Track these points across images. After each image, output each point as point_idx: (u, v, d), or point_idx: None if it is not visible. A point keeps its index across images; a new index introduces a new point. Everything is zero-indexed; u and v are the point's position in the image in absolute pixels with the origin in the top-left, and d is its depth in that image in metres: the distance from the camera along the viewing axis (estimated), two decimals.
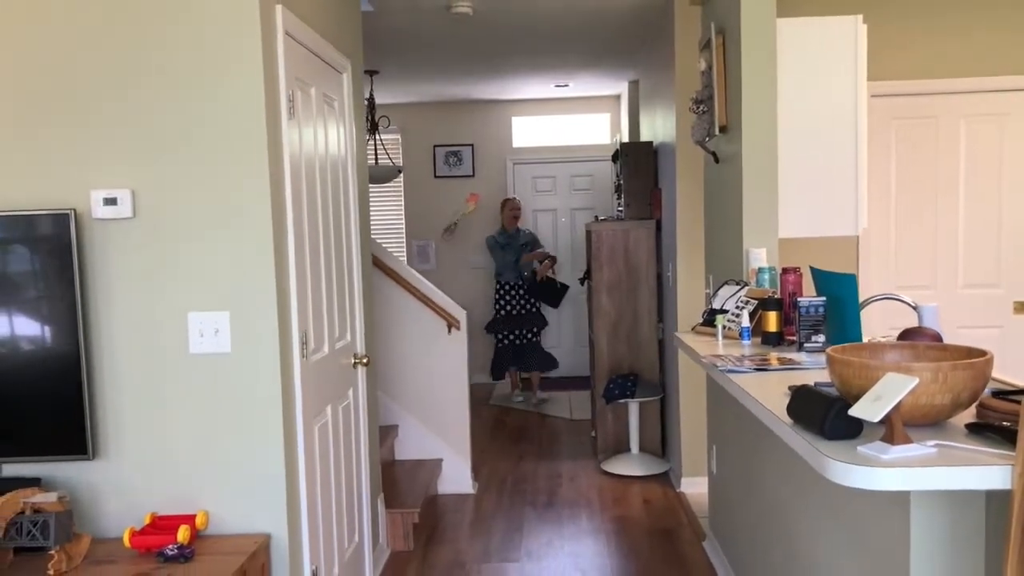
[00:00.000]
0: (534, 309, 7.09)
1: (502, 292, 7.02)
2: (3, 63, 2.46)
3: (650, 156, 5.48)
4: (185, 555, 2.36)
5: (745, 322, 2.81)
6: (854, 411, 1.44)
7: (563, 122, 8.24)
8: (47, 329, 2.47)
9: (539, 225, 8.25)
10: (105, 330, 2.52)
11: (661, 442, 5.41)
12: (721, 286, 3.15)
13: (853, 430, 1.52)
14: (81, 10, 2.44)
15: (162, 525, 2.47)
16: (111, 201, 2.48)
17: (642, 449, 5.34)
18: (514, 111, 8.17)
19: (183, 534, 2.39)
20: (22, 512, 2.29)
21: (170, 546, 2.36)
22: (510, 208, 7.07)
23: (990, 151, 4.46)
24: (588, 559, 3.89)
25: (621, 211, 5.64)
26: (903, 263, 4.57)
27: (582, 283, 6.22)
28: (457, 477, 4.88)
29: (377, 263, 4.68)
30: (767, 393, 2.01)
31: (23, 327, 2.48)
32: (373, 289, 4.68)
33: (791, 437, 1.63)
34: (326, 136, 3.16)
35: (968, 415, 1.67)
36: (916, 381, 1.39)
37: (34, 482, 2.47)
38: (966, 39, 4.39)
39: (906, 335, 2.01)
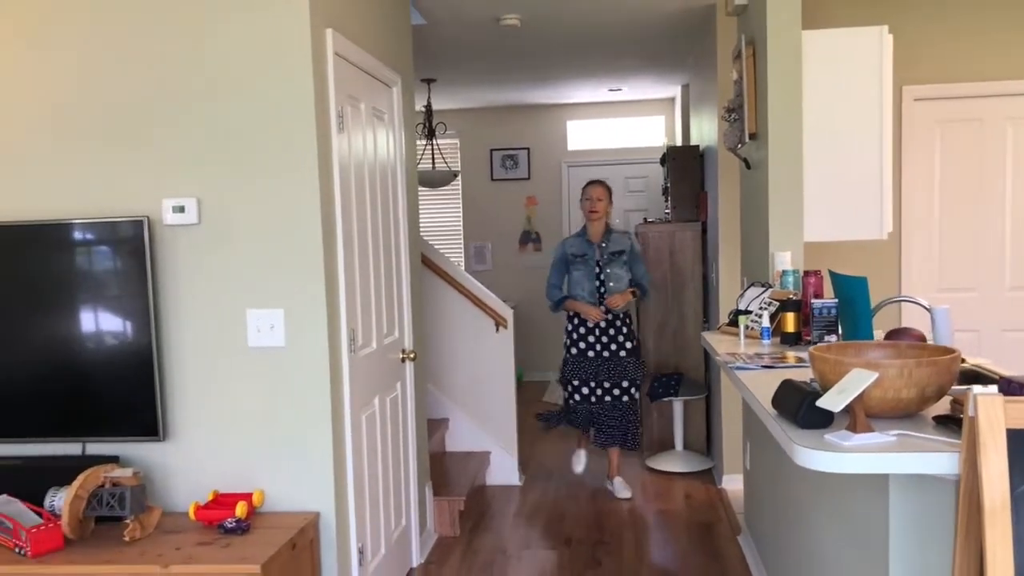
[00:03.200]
0: (625, 347, 4.68)
1: (576, 323, 4.70)
2: (91, 92, 2.77)
3: (696, 160, 5.60)
4: (243, 528, 2.62)
5: (765, 322, 2.95)
6: (820, 402, 1.59)
7: (618, 125, 8.38)
8: (126, 324, 2.77)
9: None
10: (174, 325, 2.81)
11: (706, 440, 5.52)
12: (748, 288, 3.28)
13: (824, 420, 1.67)
14: (155, 43, 2.73)
15: (223, 501, 2.74)
16: (179, 209, 2.76)
17: (687, 447, 5.46)
18: (569, 115, 8.35)
19: (241, 509, 2.66)
20: (102, 485, 2.59)
21: (229, 520, 2.63)
22: (585, 198, 4.68)
23: None
24: (627, 549, 4.05)
25: (668, 213, 5.77)
26: (947, 265, 4.60)
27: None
28: (505, 469, 5.10)
29: (429, 264, 4.92)
30: (769, 389, 2.16)
31: (106, 322, 2.78)
32: (424, 288, 4.93)
33: (772, 426, 1.78)
34: (375, 145, 3.40)
35: (942, 408, 1.80)
36: (875, 376, 1.54)
37: (113, 459, 2.77)
38: (1011, 42, 4.40)
39: (893, 335, 2.14)
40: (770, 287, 3.15)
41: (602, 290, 4.60)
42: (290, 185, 2.73)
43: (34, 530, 2.48)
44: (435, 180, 6.56)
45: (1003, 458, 1.33)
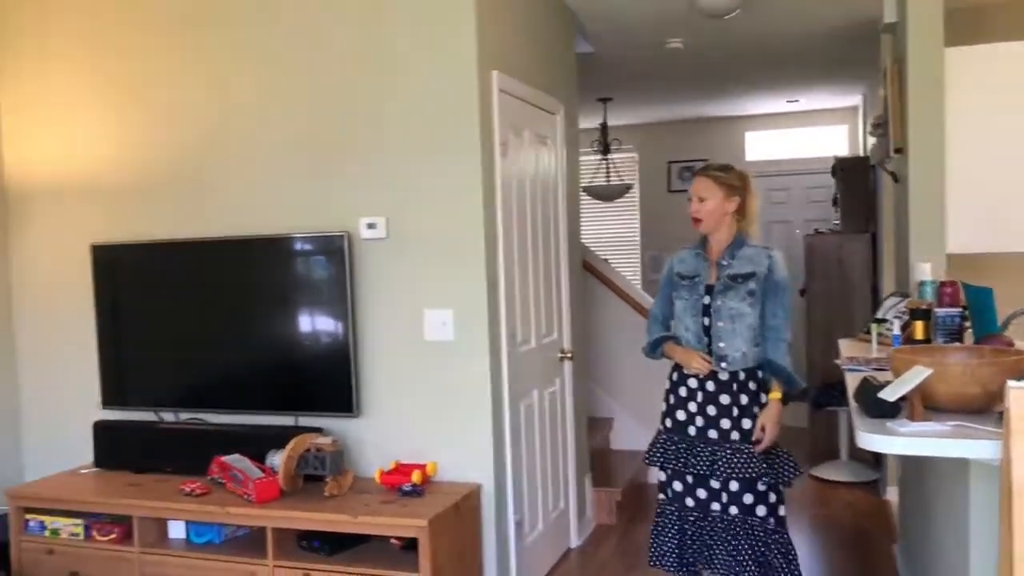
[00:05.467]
0: (741, 427, 2.92)
1: (676, 379, 3.09)
2: (303, 131, 3.41)
3: (866, 171, 5.60)
4: (418, 492, 3.13)
5: (896, 330, 3.08)
6: (881, 393, 1.82)
7: (797, 135, 8.35)
8: (330, 321, 3.38)
9: (773, 237, 8.41)
10: (367, 322, 3.38)
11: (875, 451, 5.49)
12: (888, 297, 3.40)
13: (891, 411, 1.88)
14: (352, 90, 3.33)
15: (403, 469, 3.27)
16: (372, 226, 3.34)
17: (853, 457, 5.47)
18: (746, 126, 8.43)
19: (417, 477, 3.17)
20: (309, 450, 3.20)
21: (407, 484, 3.15)
22: (688, 197, 3.16)
23: None
24: None
25: (838, 224, 5.80)
26: None
27: (802, 295, 6.40)
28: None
29: (594, 272, 5.31)
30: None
31: (315, 319, 3.41)
32: (589, 295, 5.31)
33: (853, 416, 2.02)
34: (537, 166, 3.85)
35: None
36: (929, 372, 1.75)
37: (317, 430, 3.39)
38: None
39: (983, 340, 2.27)
40: (907, 296, 3.26)
41: (709, 330, 2.94)
42: (458, 205, 3.23)
43: (258, 481, 3.12)
44: (609, 194, 6.94)
45: None
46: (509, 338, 3.41)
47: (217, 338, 3.52)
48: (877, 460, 5.47)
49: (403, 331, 3.34)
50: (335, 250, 3.34)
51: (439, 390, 3.31)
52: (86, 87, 3.73)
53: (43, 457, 3.90)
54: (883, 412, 1.89)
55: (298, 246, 3.40)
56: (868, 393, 1.91)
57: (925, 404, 1.90)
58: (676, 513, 3.01)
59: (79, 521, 3.37)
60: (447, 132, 3.22)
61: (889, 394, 1.77)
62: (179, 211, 3.61)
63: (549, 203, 4.02)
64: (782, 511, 2.94)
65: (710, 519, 2.93)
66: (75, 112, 3.76)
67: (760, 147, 8.46)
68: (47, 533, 3.41)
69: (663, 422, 3.09)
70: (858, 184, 5.62)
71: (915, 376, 1.77)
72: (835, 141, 8.25)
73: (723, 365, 2.92)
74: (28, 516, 3.44)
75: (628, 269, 8.44)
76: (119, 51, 3.66)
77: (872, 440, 1.77)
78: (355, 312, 3.37)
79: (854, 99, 7.57)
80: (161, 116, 3.62)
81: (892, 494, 4.88)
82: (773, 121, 8.35)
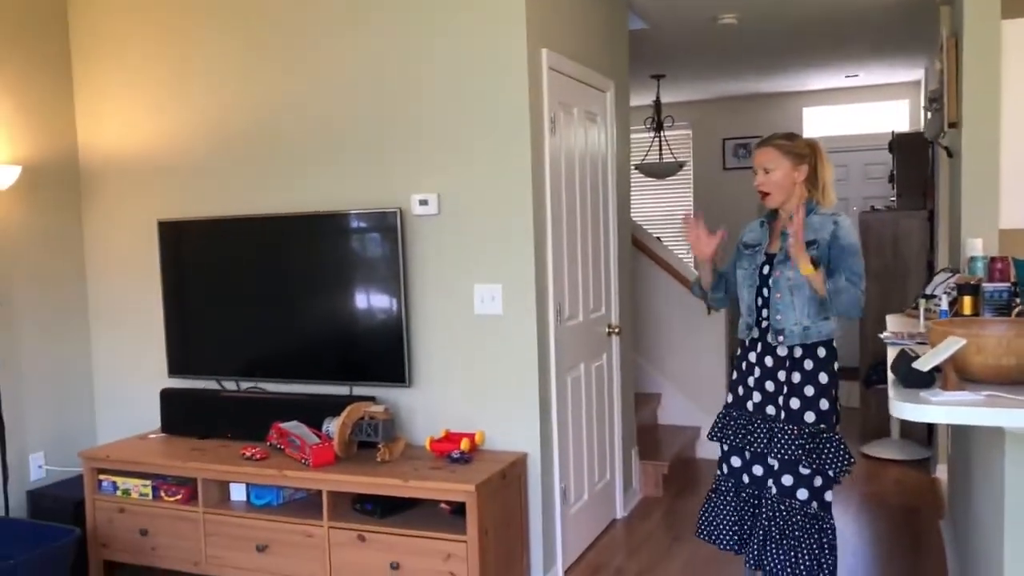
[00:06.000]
0: (790, 404, 2.80)
1: (741, 351, 2.98)
2: (358, 114, 3.52)
3: (924, 146, 5.50)
4: (465, 459, 3.24)
5: (944, 306, 3.06)
6: (915, 363, 1.84)
7: (856, 110, 8.20)
8: (384, 295, 3.50)
9: None
10: (418, 296, 3.49)
11: (928, 429, 5.44)
12: (938, 273, 3.37)
13: (926, 381, 1.91)
14: (404, 72, 3.42)
15: (452, 437, 3.38)
16: (424, 202, 3.43)
17: (905, 436, 5.42)
18: (804, 102, 8.30)
19: (465, 444, 3.28)
20: (362, 418, 3.33)
21: (455, 452, 3.26)
22: (756, 159, 2.88)
23: None
24: None
25: (894, 201, 5.72)
26: None
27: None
28: (714, 444, 5.38)
29: (644, 249, 5.34)
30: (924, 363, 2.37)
31: (369, 293, 3.53)
32: (639, 272, 5.35)
33: (889, 387, 2.04)
34: (586, 143, 3.89)
35: None
36: (962, 343, 1.77)
37: (371, 399, 3.52)
38: None
39: None
40: (957, 272, 3.23)
41: (763, 308, 2.83)
42: (507, 182, 3.30)
43: (315, 447, 3.27)
44: (661, 171, 6.93)
45: None
46: (556, 312, 3.49)
47: (276, 310, 3.67)
48: (928, 439, 5.41)
49: (453, 305, 3.44)
50: (388, 226, 3.45)
51: (487, 362, 3.40)
52: (153, 72, 3.90)
53: (115, 422, 4.13)
54: (917, 382, 1.92)
55: (353, 222, 3.52)
56: (903, 364, 1.94)
57: (961, 376, 1.92)
58: (732, 490, 2.97)
59: (148, 482, 3.57)
60: (497, 110, 3.29)
61: (922, 364, 1.80)
62: (241, 188, 3.77)
63: (599, 180, 4.07)
64: (828, 496, 2.80)
65: (764, 498, 2.85)
66: (143, 95, 3.93)
67: (818, 123, 8.33)
68: (119, 493, 3.62)
69: (727, 396, 3.04)
70: (915, 160, 5.52)
71: (948, 347, 1.79)
72: (896, 116, 8.08)
73: (780, 339, 2.78)
74: (101, 477, 3.65)
75: (682, 248, 8.42)
76: (185, 37, 3.82)
77: (904, 409, 1.81)
78: (407, 286, 3.48)
79: (916, 73, 7.39)
80: (223, 99, 3.77)
81: (942, 472, 4.84)
82: (831, 96, 8.20)
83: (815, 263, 2.68)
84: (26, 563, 2.90)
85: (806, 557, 2.76)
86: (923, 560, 3.77)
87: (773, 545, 2.80)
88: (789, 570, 2.76)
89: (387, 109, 3.47)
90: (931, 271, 5.38)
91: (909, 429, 5.43)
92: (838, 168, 8.23)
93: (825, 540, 2.79)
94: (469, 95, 3.33)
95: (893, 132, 6.16)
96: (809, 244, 2.72)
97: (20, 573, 2.83)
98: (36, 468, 3.89)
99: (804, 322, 2.76)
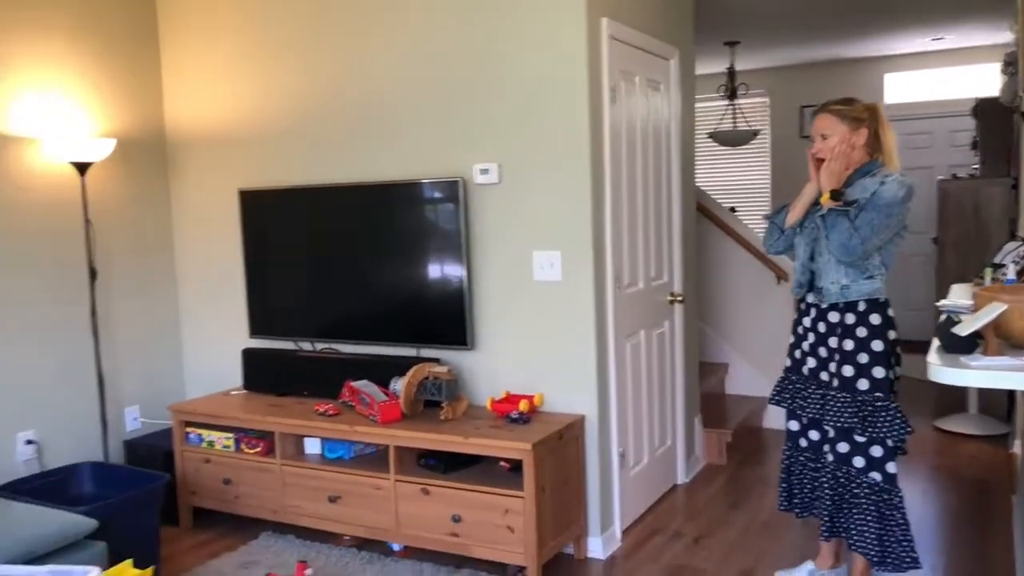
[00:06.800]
0: (842, 373, 2.81)
1: (801, 310, 3.01)
2: (425, 87, 3.63)
3: (1008, 112, 5.29)
4: (524, 419, 3.36)
5: (1011, 275, 3.01)
6: (956, 328, 1.85)
7: (942, 75, 7.89)
8: (448, 261, 3.62)
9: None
10: (480, 263, 3.61)
11: (1008, 405, 5.30)
12: (1007, 242, 3.30)
13: (968, 346, 1.92)
14: (466, 45, 3.51)
15: (512, 399, 3.51)
16: (485, 171, 3.54)
17: (984, 411, 5.29)
18: (886, 67, 8.04)
19: (524, 406, 3.40)
20: (427, 378, 3.48)
21: (515, 412, 3.38)
22: (813, 126, 2.91)
23: None
24: None
25: (976, 168, 5.54)
26: None
27: (935, 243, 6.16)
28: (780, 415, 5.37)
29: (712, 217, 5.32)
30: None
31: (435, 259, 3.66)
32: (707, 241, 5.34)
33: (931, 352, 2.05)
34: (648, 112, 3.91)
35: None
36: (1003, 308, 1.77)
37: (435, 360, 3.67)
38: None
39: None
40: None
41: (812, 268, 2.89)
42: (566, 151, 3.37)
43: (383, 404, 3.44)
44: (735, 139, 6.86)
45: None
46: (615, 279, 3.55)
47: (347, 275, 3.85)
48: (1008, 414, 5.27)
49: (513, 271, 3.54)
50: (452, 195, 3.57)
51: (547, 327, 3.50)
52: (235, 48, 4.10)
53: (201, 379, 4.41)
54: (959, 347, 1.93)
55: (418, 191, 3.66)
56: (945, 329, 1.95)
57: (1008, 342, 1.92)
58: (792, 456, 3.03)
59: (230, 435, 3.81)
60: (556, 80, 3.36)
61: (961, 329, 1.81)
62: (315, 159, 3.95)
63: (662, 148, 4.09)
64: (891, 468, 2.76)
65: (823, 463, 2.90)
66: (225, 71, 4.14)
67: (901, 89, 8.06)
68: (204, 444, 3.88)
69: (786, 360, 3.07)
70: (999, 126, 5.33)
71: (989, 312, 1.80)
72: (986, 81, 7.74)
73: (820, 297, 2.84)
74: (188, 429, 3.92)
75: (757, 218, 8.31)
76: (264, 15, 4.00)
77: (943, 373, 1.83)
78: (470, 253, 3.60)
79: (1007, 35, 7.07)
80: (300, 74, 3.94)
81: (1019, 448, 4.73)
82: (916, 61, 7.92)
83: (838, 197, 2.73)
84: (122, 502, 3.17)
85: (876, 526, 2.76)
86: (990, 533, 3.73)
87: (843, 515, 2.85)
88: (862, 538, 2.78)
89: (449, 81, 3.58)
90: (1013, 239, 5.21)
91: (989, 404, 5.30)
92: (923, 135, 8.00)
93: (895, 514, 2.77)
94: (528, 66, 3.40)
95: (977, 98, 5.94)
96: (852, 203, 2.73)
97: (117, 510, 3.10)
98: (132, 420, 4.20)
99: (843, 280, 2.79)
